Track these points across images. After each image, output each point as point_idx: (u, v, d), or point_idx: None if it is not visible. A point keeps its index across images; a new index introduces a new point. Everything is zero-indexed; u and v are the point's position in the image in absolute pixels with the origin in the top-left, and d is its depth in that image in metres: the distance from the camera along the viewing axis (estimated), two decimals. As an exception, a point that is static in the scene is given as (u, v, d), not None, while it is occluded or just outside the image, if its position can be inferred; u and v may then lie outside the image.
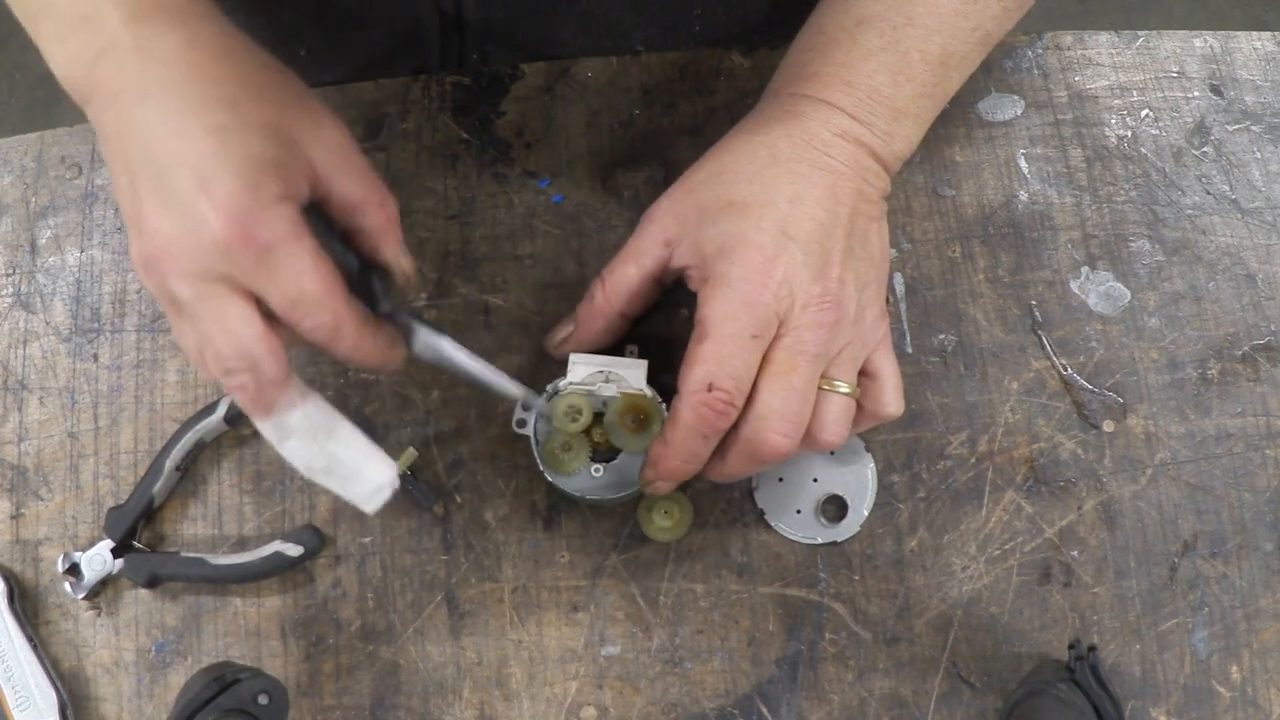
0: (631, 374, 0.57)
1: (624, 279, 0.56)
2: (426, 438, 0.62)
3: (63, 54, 0.46)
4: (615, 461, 0.58)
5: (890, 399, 0.55)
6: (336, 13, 0.49)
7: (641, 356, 0.58)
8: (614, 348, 0.59)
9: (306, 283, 0.45)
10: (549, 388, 0.57)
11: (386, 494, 0.52)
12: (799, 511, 0.60)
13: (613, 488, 0.58)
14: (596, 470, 0.58)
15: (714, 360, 0.50)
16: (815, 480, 0.61)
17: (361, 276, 0.50)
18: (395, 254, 0.51)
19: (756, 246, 0.51)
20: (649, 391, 0.57)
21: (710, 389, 0.50)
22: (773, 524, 0.60)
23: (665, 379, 0.58)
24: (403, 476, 0.57)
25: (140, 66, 0.45)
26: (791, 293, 0.51)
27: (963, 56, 0.57)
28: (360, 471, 0.51)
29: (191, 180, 0.44)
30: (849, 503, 0.60)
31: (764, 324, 0.51)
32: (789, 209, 0.52)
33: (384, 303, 0.51)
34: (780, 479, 0.61)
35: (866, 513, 0.60)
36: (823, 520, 0.60)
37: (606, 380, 0.57)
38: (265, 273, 0.45)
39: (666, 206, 0.55)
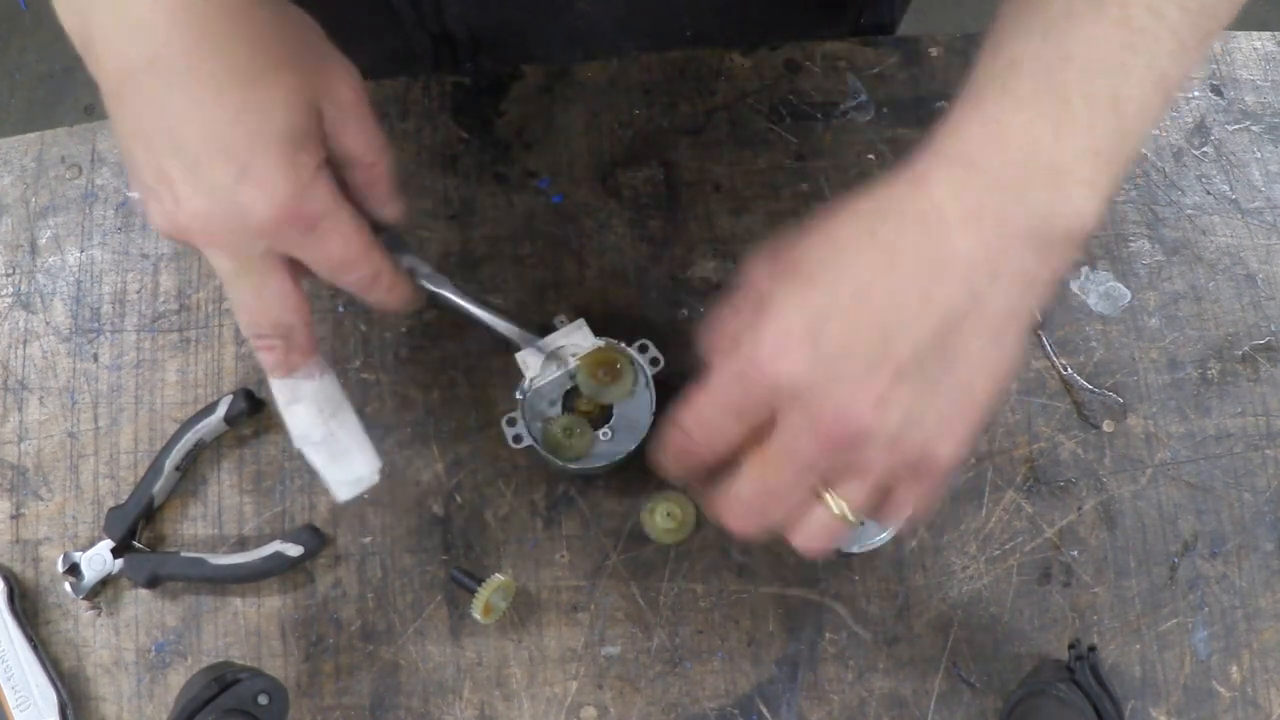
0: (578, 337, 0.59)
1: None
2: (426, 437, 0.62)
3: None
4: (614, 419, 0.60)
5: (897, 522, 0.50)
6: (327, 33, 0.49)
7: (636, 348, 0.60)
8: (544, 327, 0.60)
9: (352, 245, 0.48)
10: (516, 394, 0.59)
11: (363, 487, 0.54)
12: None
13: (630, 438, 0.59)
14: (605, 434, 0.59)
15: (693, 409, 0.46)
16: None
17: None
18: (381, 206, 0.51)
19: (781, 330, 0.42)
20: (601, 341, 0.59)
21: (676, 428, 0.46)
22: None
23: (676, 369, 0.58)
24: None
25: (157, 33, 0.43)
26: (796, 393, 0.42)
27: (1140, 103, 0.43)
28: (350, 455, 0.53)
29: (231, 169, 0.43)
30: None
31: (750, 409, 0.44)
32: (847, 302, 0.42)
33: (396, 250, 0.53)
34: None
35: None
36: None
37: (561, 358, 0.59)
38: (313, 242, 0.47)
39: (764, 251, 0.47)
